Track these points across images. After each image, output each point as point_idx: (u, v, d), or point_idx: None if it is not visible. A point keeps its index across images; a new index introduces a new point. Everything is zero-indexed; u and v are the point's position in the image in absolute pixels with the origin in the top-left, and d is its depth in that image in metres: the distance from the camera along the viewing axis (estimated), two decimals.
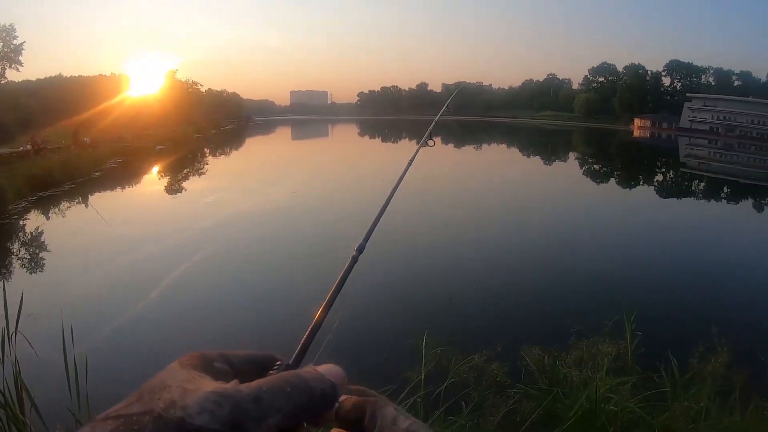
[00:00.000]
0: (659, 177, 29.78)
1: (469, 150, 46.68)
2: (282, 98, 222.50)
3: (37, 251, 11.49)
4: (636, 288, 8.20)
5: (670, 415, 3.02)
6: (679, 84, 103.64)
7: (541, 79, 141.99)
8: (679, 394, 3.29)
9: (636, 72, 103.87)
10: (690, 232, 13.27)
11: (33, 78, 61.81)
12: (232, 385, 0.36)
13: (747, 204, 20.67)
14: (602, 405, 2.89)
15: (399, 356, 4.62)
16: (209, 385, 0.36)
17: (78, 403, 2.95)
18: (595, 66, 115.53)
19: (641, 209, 17.12)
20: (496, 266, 9.59)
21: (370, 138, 66.53)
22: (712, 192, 23.95)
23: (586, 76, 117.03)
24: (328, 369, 0.41)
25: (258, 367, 0.43)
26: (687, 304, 7.51)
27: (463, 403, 3.38)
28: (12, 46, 38.54)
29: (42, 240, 12.36)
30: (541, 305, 7.38)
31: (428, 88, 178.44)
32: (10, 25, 38.45)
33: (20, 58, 39.24)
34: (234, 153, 45.00)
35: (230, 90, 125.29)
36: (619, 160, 40.57)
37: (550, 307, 7.26)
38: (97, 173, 24.32)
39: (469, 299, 7.63)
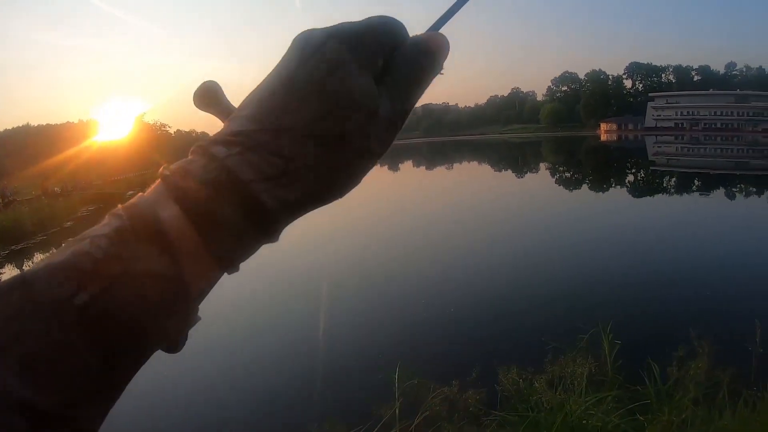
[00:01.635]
0: (629, 178, 30.16)
1: (439, 171, 46.77)
2: None
3: None
4: (611, 295, 8.07)
5: (654, 428, 2.98)
6: (641, 85, 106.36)
7: (505, 94, 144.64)
8: (663, 402, 3.25)
9: (597, 78, 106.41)
10: (661, 232, 13.31)
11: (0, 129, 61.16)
12: None
13: (718, 196, 20.98)
14: (584, 421, 2.84)
15: (370, 392, 4.52)
16: None
17: None
18: (557, 76, 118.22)
19: (611, 214, 17.15)
20: (466, 287, 9.40)
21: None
22: (682, 188, 24.33)
23: (549, 86, 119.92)
24: None
25: None
26: (665, 306, 7.46)
27: None
28: None
29: None
30: (516, 324, 7.21)
31: None
32: None
33: None
34: None
35: (199, 129, 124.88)
36: (587, 166, 40.93)
37: (524, 325, 7.10)
38: (69, 223, 23.87)
39: (440, 324, 7.45)
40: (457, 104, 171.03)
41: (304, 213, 0.38)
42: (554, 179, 32.10)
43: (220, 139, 0.36)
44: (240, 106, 0.38)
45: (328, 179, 0.36)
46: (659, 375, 3.56)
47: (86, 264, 0.30)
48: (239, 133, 0.35)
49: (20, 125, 66.03)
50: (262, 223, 0.34)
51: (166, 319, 0.32)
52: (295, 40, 0.37)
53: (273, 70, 0.37)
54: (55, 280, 0.30)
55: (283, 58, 0.37)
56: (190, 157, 0.37)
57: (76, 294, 0.29)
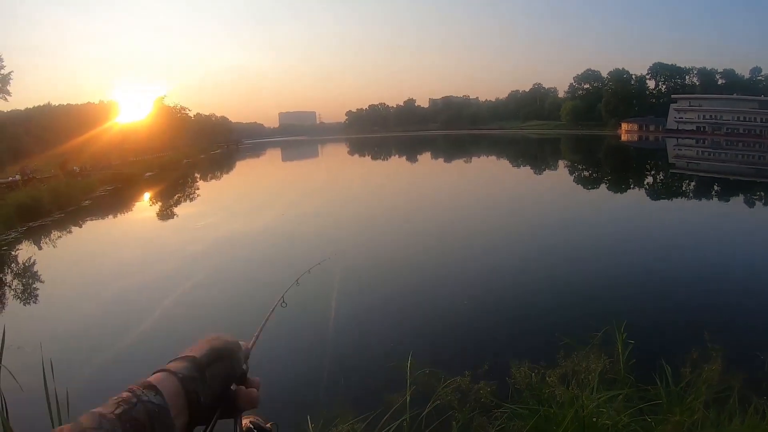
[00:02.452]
0: (648, 180, 29.82)
1: (457, 164, 46.72)
2: (271, 120, 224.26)
3: (27, 283, 11.36)
4: (626, 295, 8.05)
5: (665, 428, 2.97)
6: (664, 86, 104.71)
7: (527, 89, 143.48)
8: (674, 404, 3.24)
9: (620, 77, 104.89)
10: (680, 234, 13.20)
11: (21, 107, 61.82)
12: None
13: (737, 201, 20.69)
14: (593, 419, 2.83)
15: (382, 380, 4.55)
16: None
17: None
18: (579, 73, 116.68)
19: (629, 214, 17.05)
20: (482, 280, 9.45)
21: (360, 156, 66.63)
22: (702, 192, 24.01)
23: (571, 83, 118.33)
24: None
25: None
26: (680, 308, 7.40)
27: (453, 423, 3.32)
28: (0, 76, 38.41)
29: (32, 271, 12.23)
30: (529, 319, 7.25)
31: (416, 104, 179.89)
32: None
33: (8, 87, 39.06)
34: (224, 177, 44.83)
35: (219, 114, 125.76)
36: (607, 165, 40.63)
37: (538, 320, 7.14)
38: (86, 202, 24.21)
39: (455, 315, 7.50)
40: (477, 97, 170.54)
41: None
42: (573, 177, 31.93)
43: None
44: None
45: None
46: (671, 376, 3.53)
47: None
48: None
49: (41, 104, 66.57)
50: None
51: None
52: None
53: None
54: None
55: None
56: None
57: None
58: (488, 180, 30.96)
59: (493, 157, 53.44)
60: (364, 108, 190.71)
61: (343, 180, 34.56)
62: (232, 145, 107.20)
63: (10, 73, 38.90)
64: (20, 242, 15.27)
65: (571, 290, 8.42)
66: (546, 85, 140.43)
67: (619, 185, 26.84)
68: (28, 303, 9.89)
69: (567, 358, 3.48)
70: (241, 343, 0.88)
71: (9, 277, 11.91)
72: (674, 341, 5.59)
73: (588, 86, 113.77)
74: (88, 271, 12.07)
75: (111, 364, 6.49)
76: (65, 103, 68.60)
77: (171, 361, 0.75)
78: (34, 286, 11.04)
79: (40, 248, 14.90)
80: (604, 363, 3.39)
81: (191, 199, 27.62)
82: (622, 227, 14.36)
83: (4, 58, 38.63)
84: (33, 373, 3.46)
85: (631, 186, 26.57)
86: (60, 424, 2.73)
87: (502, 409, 3.28)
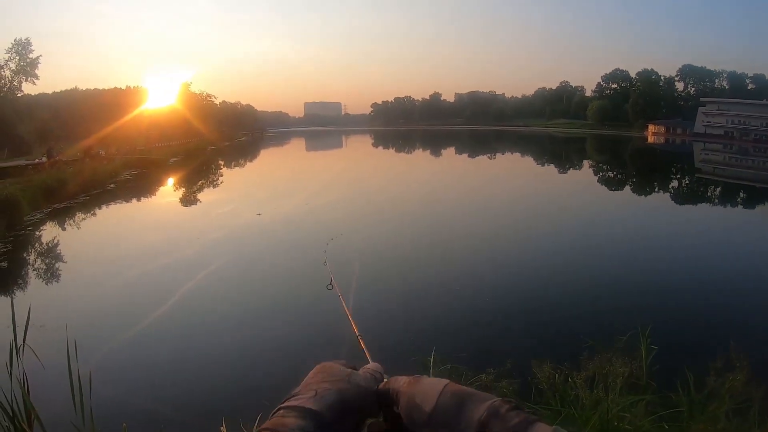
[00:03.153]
0: (674, 183, 29.37)
1: (481, 160, 46.53)
2: (296, 110, 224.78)
3: (49, 263, 11.57)
4: (652, 299, 7.97)
5: None
6: (693, 89, 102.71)
7: (554, 87, 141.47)
8: (696, 412, 3.18)
9: (649, 78, 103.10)
10: (707, 241, 12.97)
11: (49, 91, 62.84)
12: None
13: (763, 209, 20.31)
14: (615, 423, 2.80)
15: (403, 374, 4.52)
16: None
17: (82, 418, 2.93)
18: (607, 73, 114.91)
19: (656, 218, 16.85)
20: (508, 278, 9.45)
21: (384, 148, 66.72)
22: (729, 198, 23.58)
23: (598, 83, 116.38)
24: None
25: None
26: (706, 316, 7.29)
27: None
28: (28, 60, 39.20)
29: (55, 252, 12.46)
30: (554, 319, 7.21)
31: (441, 98, 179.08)
32: (26, 39, 39.18)
33: (36, 71, 39.86)
34: (248, 165, 45.25)
35: (244, 102, 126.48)
36: (633, 166, 40.14)
37: (563, 321, 7.11)
38: (111, 185, 24.56)
39: (480, 313, 7.50)
40: (503, 93, 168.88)
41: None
42: (598, 177, 31.62)
43: None
44: None
45: None
46: (694, 384, 3.47)
47: None
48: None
49: (69, 88, 67.66)
50: None
51: None
52: None
53: None
54: None
55: None
56: None
57: None
58: (517, 177, 30.97)
59: (518, 155, 53.20)
60: (389, 100, 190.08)
61: (367, 173, 34.66)
62: (257, 133, 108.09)
63: (38, 57, 39.74)
64: (45, 223, 15.54)
65: (596, 292, 8.36)
66: (573, 83, 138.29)
67: (645, 188, 26.50)
68: (52, 282, 10.07)
69: (590, 360, 3.44)
70: (373, 370, 0.72)
71: (33, 257, 12.14)
72: (698, 348, 5.50)
73: (616, 86, 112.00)
74: (112, 253, 12.25)
75: (133, 345, 6.60)
76: (92, 88, 69.68)
77: (281, 407, 0.59)
78: (58, 266, 11.24)
79: (64, 229, 15.16)
80: (628, 368, 3.35)
81: (214, 185, 27.95)
82: (650, 231, 14.17)
83: (33, 43, 39.36)
84: (53, 352, 3.52)
85: (656, 189, 26.21)
86: (82, 405, 2.78)
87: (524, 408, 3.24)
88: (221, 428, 3.07)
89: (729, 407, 3.24)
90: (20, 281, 10.00)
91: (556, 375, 3.30)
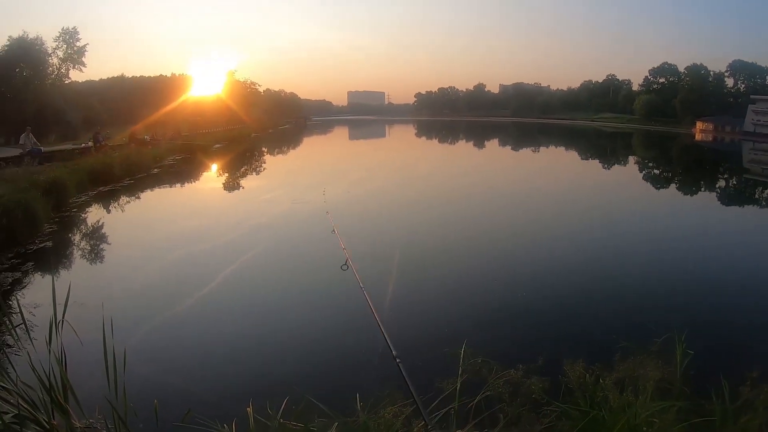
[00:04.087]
0: (721, 183, 28.35)
1: (525, 153, 46.02)
2: (340, 99, 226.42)
3: (92, 244, 11.95)
4: (692, 303, 7.72)
5: None
6: (743, 85, 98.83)
7: (600, 80, 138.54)
8: (728, 423, 3.07)
9: (698, 73, 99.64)
10: (754, 244, 12.46)
11: (96, 78, 64.63)
12: None
13: None
14: (644, 429, 2.72)
15: (434, 364, 4.52)
16: None
17: (116, 394, 3.02)
18: (655, 66, 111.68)
19: (700, 217, 16.30)
20: (545, 273, 9.30)
21: (427, 139, 66.60)
22: None
23: (646, 77, 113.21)
24: None
25: None
26: (747, 323, 6.99)
27: (501, 415, 3.26)
28: (76, 48, 40.54)
29: (97, 233, 12.85)
30: (588, 318, 7.07)
31: (485, 89, 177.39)
32: (74, 27, 40.51)
33: (83, 59, 41.18)
34: (291, 152, 45.81)
35: (288, 90, 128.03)
36: (679, 164, 38.98)
37: (597, 320, 6.98)
38: (155, 170, 25.19)
39: (513, 308, 7.40)
40: (549, 86, 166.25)
41: None
42: (643, 174, 30.92)
43: None
44: None
45: None
46: (728, 393, 3.35)
47: None
48: None
49: (115, 75, 69.39)
50: None
51: None
52: None
53: None
54: None
55: None
56: None
57: None
58: (562, 171, 30.66)
59: (563, 149, 52.42)
60: (433, 90, 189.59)
61: (409, 162, 34.78)
62: (301, 121, 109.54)
63: (85, 45, 41.04)
64: (90, 205, 16.02)
65: (634, 291, 8.15)
66: (620, 77, 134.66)
67: (690, 187, 25.71)
68: (93, 263, 10.40)
69: (623, 361, 3.36)
70: None
71: (76, 238, 12.54)
72: (736, 357, 5.31)
73: (663, 80, 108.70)
74: (153, 236, 12.59)
75: (167, 326, 6.77)
76: (138, 75, 71.36)
77: None
78: (99, 247, 11.60)
79: (107, 212, 15.63)
80: (660, 372, 3.25)
81: (257, 172, 28.37)
82: (693, 231, 13.70)
83: (80, 32, 40.64)
84: (91, 329, 3.63)
85: (702, 189, 25.40)
86: (116, 381, 2.87)
87: (552, 407, 3.20)
88: (248, 408, 3.11)
89: (762, 420, 3.13)
90: (63, 260, 10.32)
91: (587, 375, 3.23)
